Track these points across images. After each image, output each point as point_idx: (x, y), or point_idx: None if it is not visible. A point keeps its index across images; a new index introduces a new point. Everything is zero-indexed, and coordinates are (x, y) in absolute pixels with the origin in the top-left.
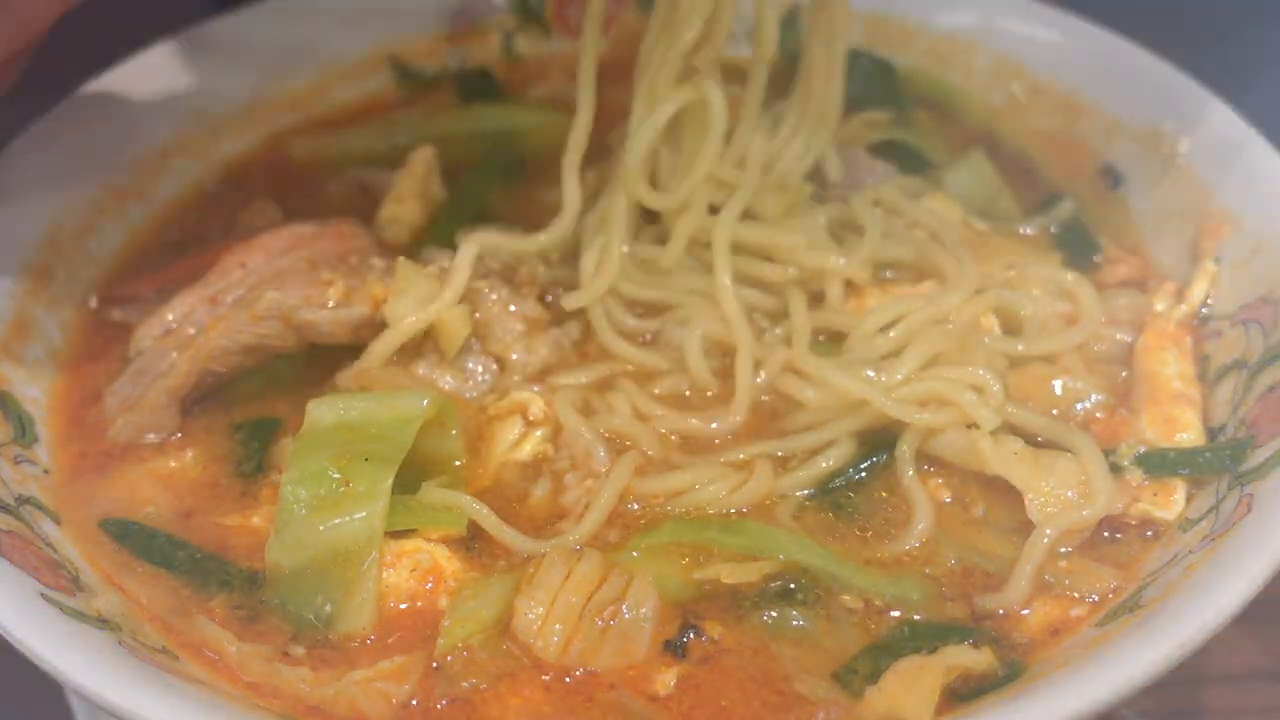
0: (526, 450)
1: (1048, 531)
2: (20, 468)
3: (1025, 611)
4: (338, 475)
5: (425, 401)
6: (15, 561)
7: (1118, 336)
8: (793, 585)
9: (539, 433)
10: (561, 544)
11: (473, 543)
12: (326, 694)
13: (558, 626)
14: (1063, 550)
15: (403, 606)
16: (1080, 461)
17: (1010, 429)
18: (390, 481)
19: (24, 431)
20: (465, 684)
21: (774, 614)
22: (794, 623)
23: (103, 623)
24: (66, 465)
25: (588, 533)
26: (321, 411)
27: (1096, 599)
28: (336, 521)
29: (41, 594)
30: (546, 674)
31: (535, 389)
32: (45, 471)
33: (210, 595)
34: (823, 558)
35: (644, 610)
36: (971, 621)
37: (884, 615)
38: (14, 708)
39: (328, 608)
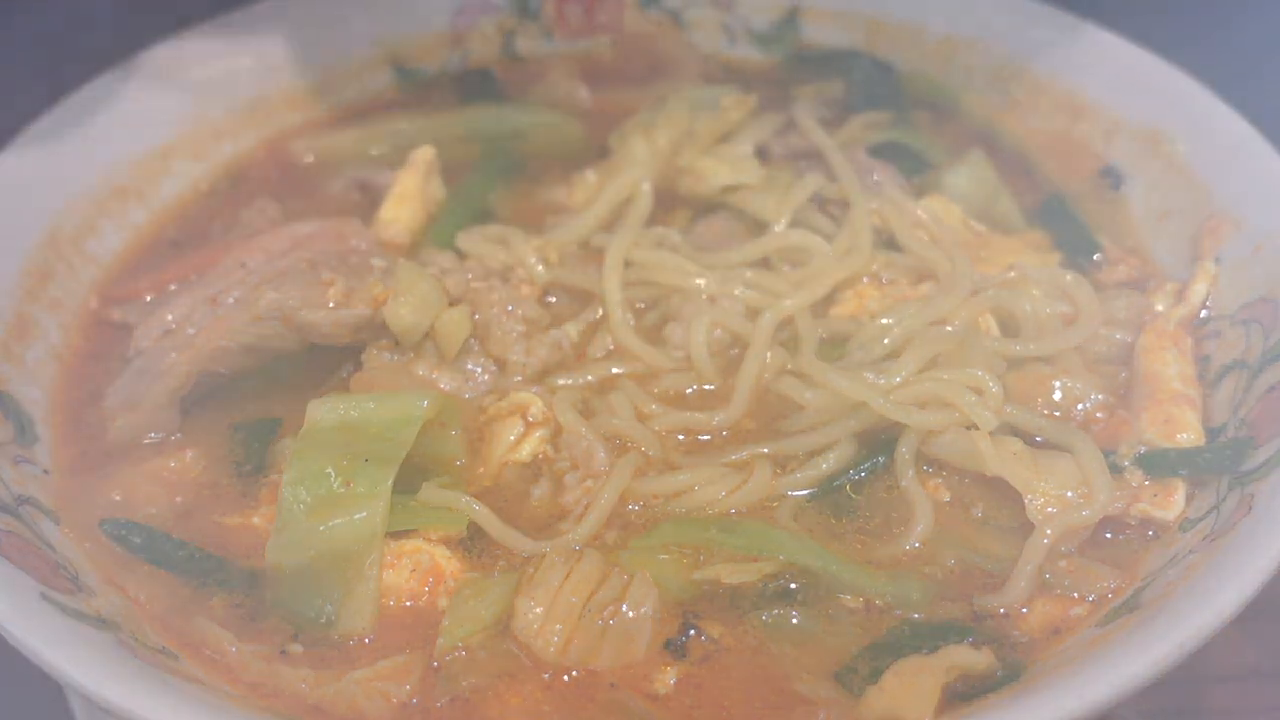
0: (526, 451)
1: (1047, 532)
2: (20, 468)
3: (1025, 611)
4: (338, 476)
5: (425, 402)
6: (15, 561)
7: (1117, 337)
8: (793, 585)
9: (539, 433)
10: (562, 544)
11: (472, 543)
12: (326, 694)
13: (558, 626)
14: (1063, 550)
15: (405, 605)
16: (1079, 461)
17: (1010, 429)
18: (390, 482)
19: (24, 431)
20: (465, 683)
21: (774, 614)
22: (794, 623)
23: (103, 623)
24: (66, 465)
25: (588, 533)
26: (322, 412)
27: (1096, 599)
28: (337, 522)
29: (41, 594)
30: (546, 673)
31: (535, 390)
32: (45, 471)
33: (210, 595)
34: (822, 558)
35: (644, 609)
36: (971, 621)
37: (884, 615)
38: (14, 708)
39: (328, 608)
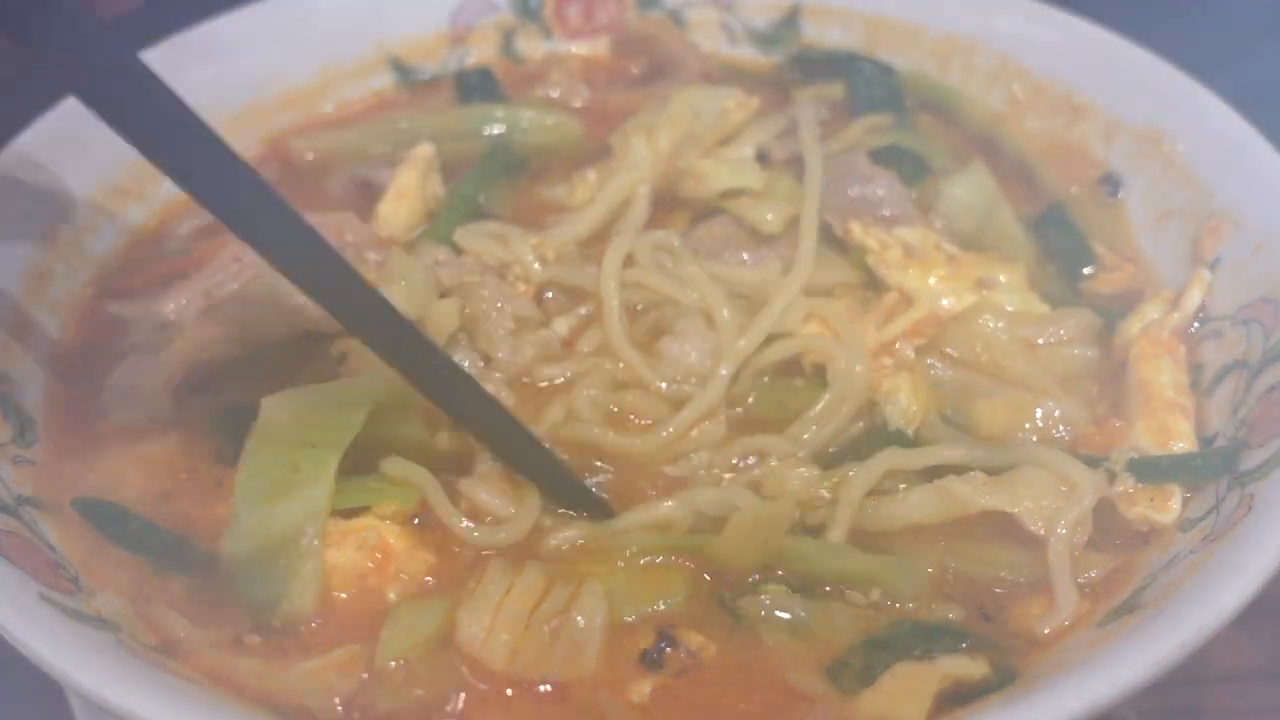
0: None
1: (1060, 533)
2: (20, 468)
3: (1024, 612)
4: (287, 463)
5: (373, 386)
6: (15, 561)
7: (1076, 353)
8: (788, 584)
9: None
10: (515, 533)
11: (423, 520)
12: (274, 685)
13: (504, 636)
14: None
15: (354, 593)
16: (1050, 468)
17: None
18: (335, 464)
19: (24, 432)
20: (406, 696)
21: (767, 611)
22: (788, 618)
23: (102, 623)
24: (62, 461)
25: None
26: (275, 408)
27: (1096, 600)
28: (283, 506)
29: (41, 594)
30: (509, 688)
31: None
32: None
33: (171, 580)
34: (818, 555)
35: (596, 619)
36: (971, 622)
37: (881, 611)
38: (14, 708)
39: (276, 591)
